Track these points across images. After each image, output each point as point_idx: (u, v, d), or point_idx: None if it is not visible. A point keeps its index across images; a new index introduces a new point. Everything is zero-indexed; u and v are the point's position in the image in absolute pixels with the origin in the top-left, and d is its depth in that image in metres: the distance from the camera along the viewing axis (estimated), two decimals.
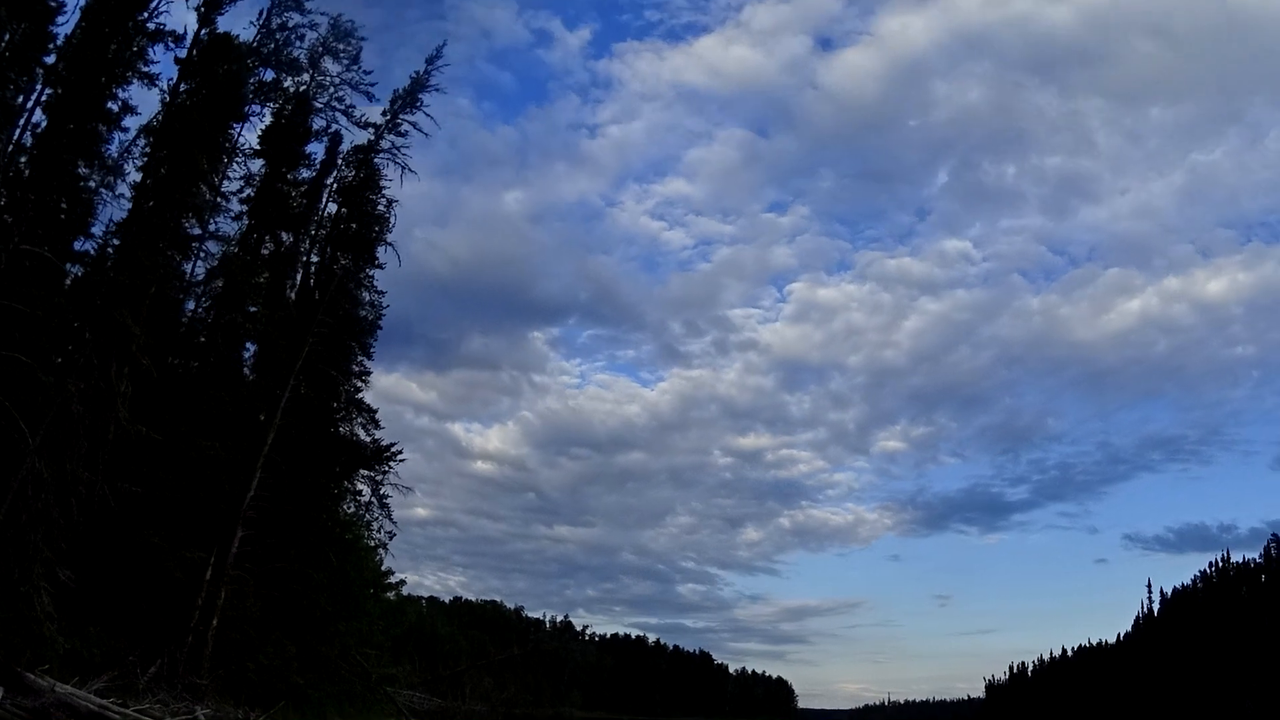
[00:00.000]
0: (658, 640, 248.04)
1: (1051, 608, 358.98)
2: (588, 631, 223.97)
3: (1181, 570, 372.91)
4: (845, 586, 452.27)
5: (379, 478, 41.38)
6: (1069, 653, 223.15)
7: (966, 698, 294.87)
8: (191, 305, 38.42)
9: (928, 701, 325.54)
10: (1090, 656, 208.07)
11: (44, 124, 31.59)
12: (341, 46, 41.24)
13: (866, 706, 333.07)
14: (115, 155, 33.42)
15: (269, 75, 40.03)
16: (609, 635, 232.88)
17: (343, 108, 41.82)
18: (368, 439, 41.26)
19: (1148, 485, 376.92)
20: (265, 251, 40.13)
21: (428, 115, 41.80)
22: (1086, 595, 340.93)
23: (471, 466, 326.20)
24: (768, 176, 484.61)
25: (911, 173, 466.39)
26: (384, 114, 41.78)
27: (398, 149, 41.57)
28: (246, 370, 39.10)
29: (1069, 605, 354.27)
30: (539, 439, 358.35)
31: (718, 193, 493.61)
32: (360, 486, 41.80)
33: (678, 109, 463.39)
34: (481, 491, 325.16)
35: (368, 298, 41.30)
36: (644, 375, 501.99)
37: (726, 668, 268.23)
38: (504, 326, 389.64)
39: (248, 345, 38.98)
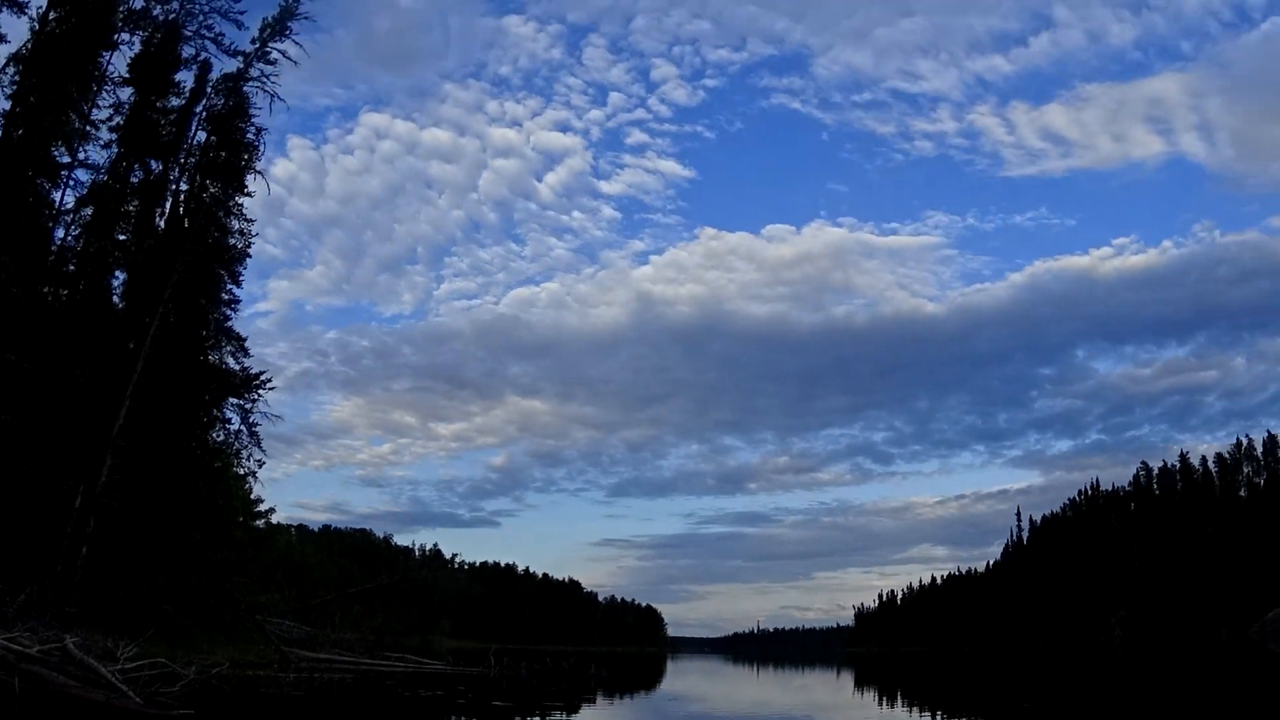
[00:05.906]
0: (526, 569, 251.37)
1: None
2: (457, 560, 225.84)
3: None
4: None
5: (248, 406, 41.62)
6: (938, 580, 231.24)
7: (836, 625, 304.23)
8: (61, 234, 38.00)
9: (797, 629, 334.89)
10: (960, 584, 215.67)
11: None
12: None
13: (736, 634, 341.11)
14: None
15: (139, 3, 39.43)
16: (478, 564, 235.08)
17: (212, 35, 41.14)
18: (237, 367, 41.45)
19: None
20: (135, 180, 39.78)
21: (297, 44, 41.47)
22: None
23: None
24: None
25: None
26: (253, 42, 41.33)
27: (267, 77, 41.27)
28: (116, 299, 38.96)
29: None
30: None
31: None
32: (229, 415, 42.04)
33: None
34: None
35: (237, 225, 41.10)
36: None
37: (595, 596, 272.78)
38: None
39: (117, 274, 39.00)
